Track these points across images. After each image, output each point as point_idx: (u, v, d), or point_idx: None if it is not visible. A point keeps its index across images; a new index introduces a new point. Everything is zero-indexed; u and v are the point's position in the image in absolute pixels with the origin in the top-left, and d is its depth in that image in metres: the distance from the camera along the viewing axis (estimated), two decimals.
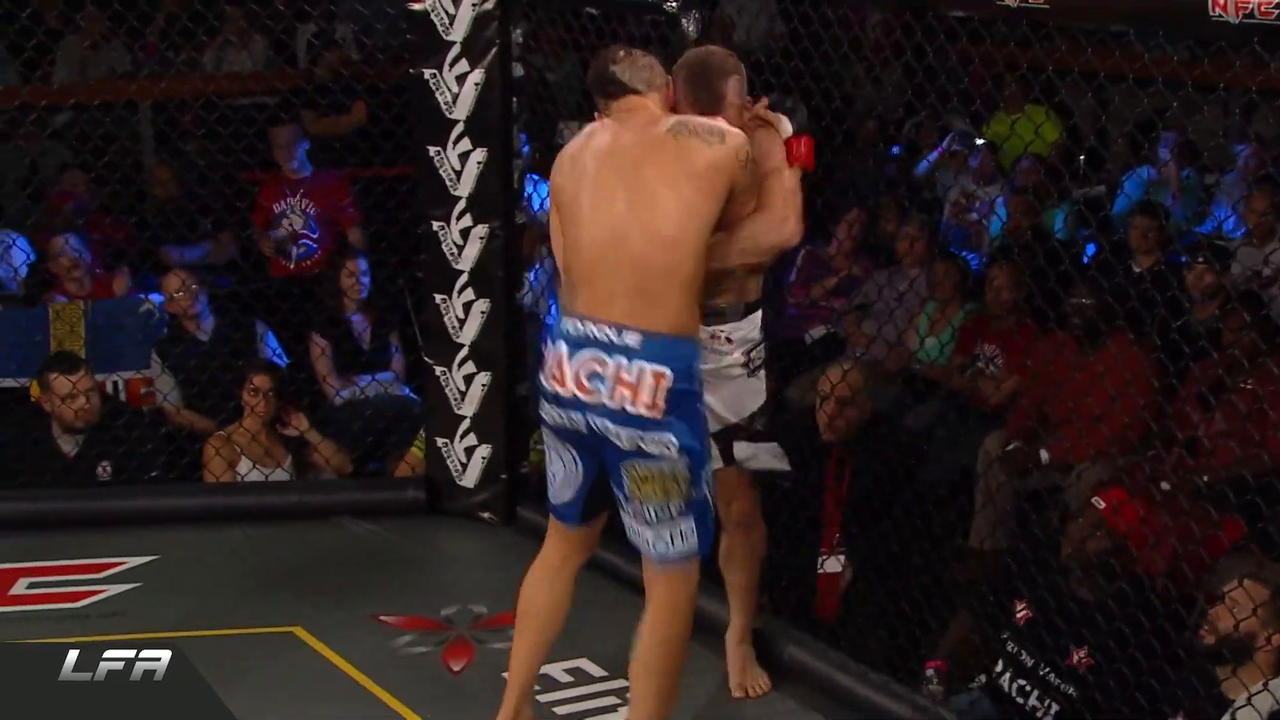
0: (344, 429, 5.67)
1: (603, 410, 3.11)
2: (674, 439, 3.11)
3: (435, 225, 4.82)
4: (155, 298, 6.14)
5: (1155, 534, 3.97)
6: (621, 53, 3.32)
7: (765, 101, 3.44)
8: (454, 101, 4.74)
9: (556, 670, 4.00)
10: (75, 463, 5.25)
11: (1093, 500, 3.96)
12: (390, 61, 6.56)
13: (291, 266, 6.73)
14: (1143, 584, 3.85)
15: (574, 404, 3.14)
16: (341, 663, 4.04)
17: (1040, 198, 6.26)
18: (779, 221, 3.30)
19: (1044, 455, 5.01)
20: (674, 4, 4.14)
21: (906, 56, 3.83)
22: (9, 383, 5.70)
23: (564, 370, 3.14)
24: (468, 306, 4.84)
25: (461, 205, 4.79)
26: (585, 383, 3.11)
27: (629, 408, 3.08)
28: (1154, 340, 4.43)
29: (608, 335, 3.09)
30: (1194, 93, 3.49)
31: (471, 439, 4.92)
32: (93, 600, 4.45)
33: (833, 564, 4.48)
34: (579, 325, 3.13)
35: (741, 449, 3.67)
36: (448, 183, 4.79)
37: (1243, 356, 4.49)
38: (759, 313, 3.60)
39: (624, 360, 3.07)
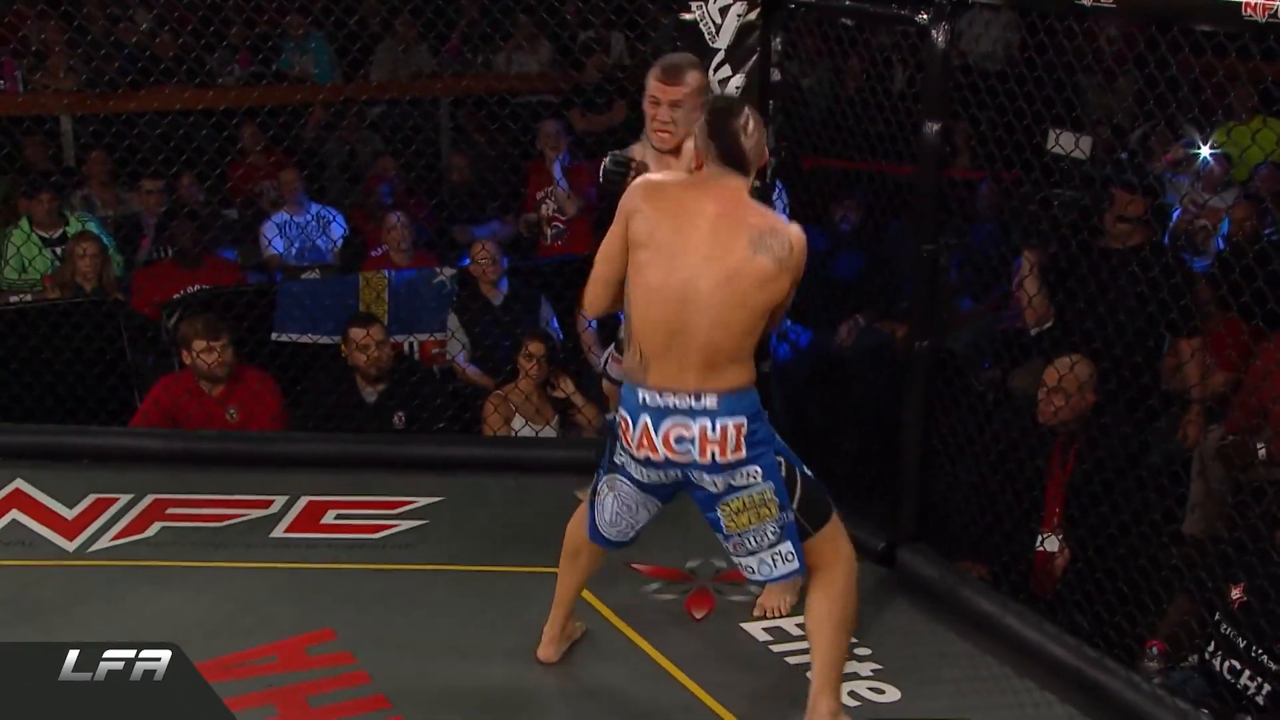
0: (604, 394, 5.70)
1: (695, 465, 3.14)
2: (758, 468, 3.15)
3: None
4: (447, 270, 6.27)
5: None
6: (751, 124, 3.15)
7: None
8: None
9: (789, 624, 3.93)
10: (375, 411, 5.39)
11: None
12: None
13: (548, 245, 6.82)
14: None
15: (666, 464, 3.16)
16: (598, 604, 4.04)
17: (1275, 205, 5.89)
18: None
19: (1261, 450, 4.71)
20: (925, 16, 3.99)
21: (1148, 67, 3.60)
22: (325, 340, 5.88)
23: (652, 438, 3.13)
24: None
25: None
26: (675, 446, 3.12)
27: (719, 459, 3.12)
28: None
29: (688, 403, 3.10)
30: None
31: None
32: (388, 533, 4.54)
33: (1051, 544, 4.31)
34: (657, 397, 3.12)
35: None
36: None
37: None
38: None
39: (707, 421, 3.10)
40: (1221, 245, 6.13)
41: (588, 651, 3.81)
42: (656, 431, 3.12)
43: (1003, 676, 3.74)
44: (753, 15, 4.60)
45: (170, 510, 4.62)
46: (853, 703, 3.57)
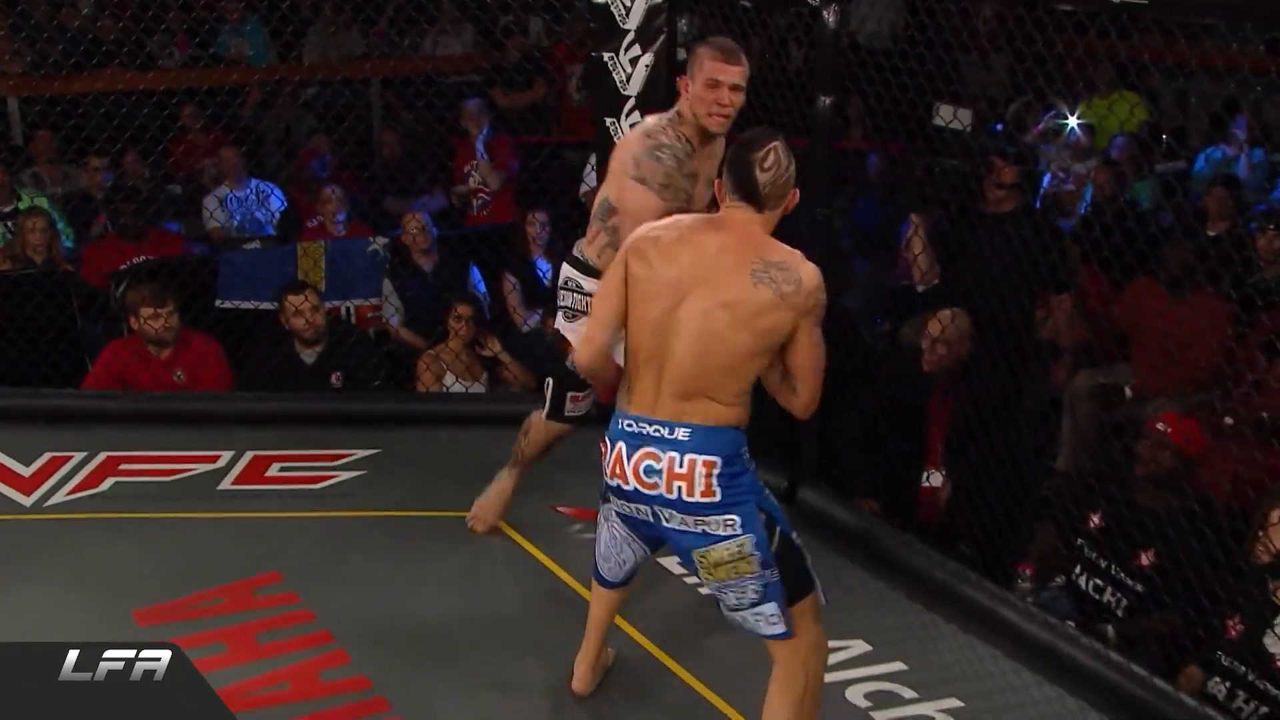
0: (529, 352, 5.71)
1: (663, 500, 2.82)
2: (735, 518, 2.80)
3: None
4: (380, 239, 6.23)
5: (1219, 459, 3.82)
6: (771, 158, 2.80)
7: None
8: (627, 80, 4.69)
9: None
10: (314, 372, 5.35)
11: (1157, 425, 3.83)
12: (574, 46, 6.54)
13: (474, 214, 6.80)
14: (1208, 501, 3.71)
15: (638, 495, 2.85)
16: (523, 542, 4.08)
17: (1130, 171, 6.03)
18: None
19: (1127, 390, 4.85)
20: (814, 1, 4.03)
21: (1017, 44, 3.67)
22: (266, 306, 5.83)
23: (624, 465, 2.84)
24: None
25: None
26: (643, 476, 2.82)
27: (685, 496, 2.80)
28: (1228, 294, 4.24)
29: (661, 432, 2.80)
30: (1274, 79, 3.31)
31: None
32: (329, 483, 4.54)
33: (934, 479, 4.41)
34: (634, 424, 2.83)
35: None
36: None
37: None
38: (566, 266, 3.68)
39: (675, 454, 2.78)
40: (1085, 208, 6.27)
41: (518, 584, 3.85)
42: (628, 459, 2.83)
43: (894, 600, 3.82)
44: None
45: (123, 466, 4.57)
46: None
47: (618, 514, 2.99)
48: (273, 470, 4.61)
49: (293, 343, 5.36)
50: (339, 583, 3.82)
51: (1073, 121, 6.33)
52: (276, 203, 6.77)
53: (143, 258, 6.14)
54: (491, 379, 5.52)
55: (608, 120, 4.73)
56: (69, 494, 4.39)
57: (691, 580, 3.88)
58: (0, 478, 4.48)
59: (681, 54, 4.70)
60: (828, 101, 4.08)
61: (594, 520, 4.17)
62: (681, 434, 2.79)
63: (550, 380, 3.93)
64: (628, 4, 4.63)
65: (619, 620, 3.63)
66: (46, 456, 4.60)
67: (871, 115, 4.54)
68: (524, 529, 4.15)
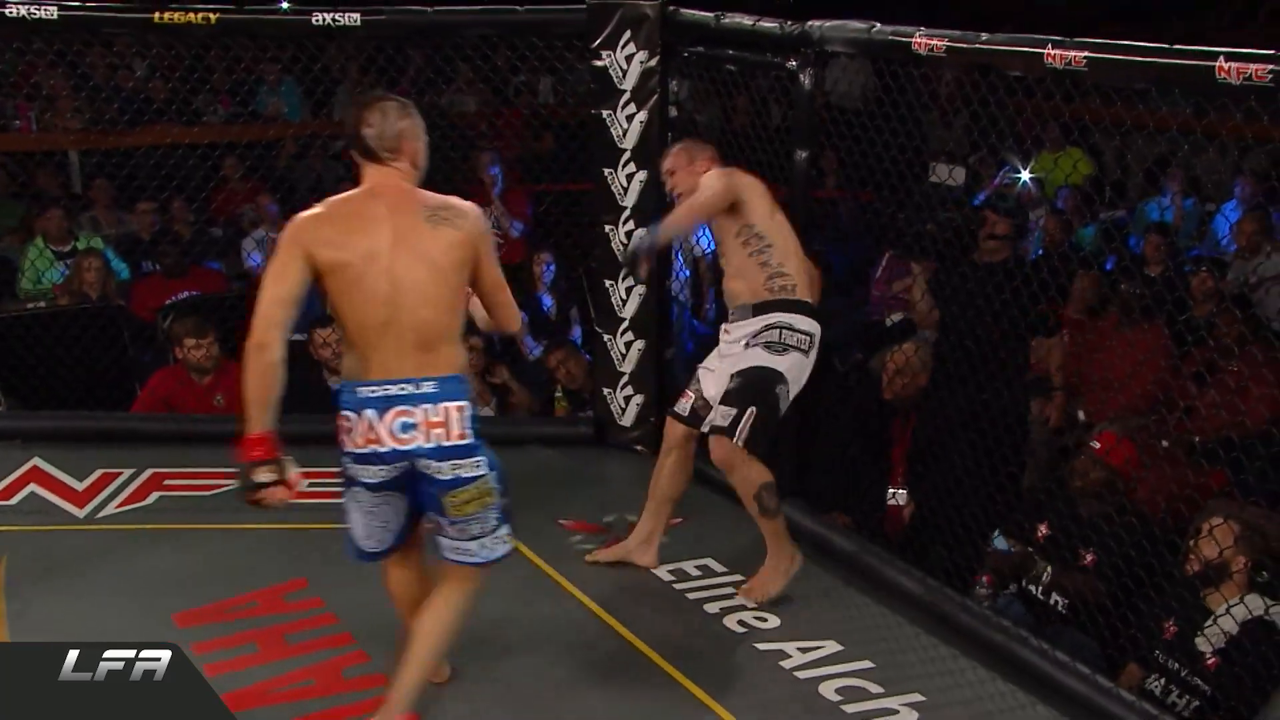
0: (535, 379, 5.72)
1: (421, 450, 2.74)
2: (482, 458, 2.80)
3: (606, 228, 4.82)
4: None
5: (1155, 479, 3.83)
6: (374, 115, 2.77)
7: None
8: (623, 135, 4.72)
9: (689, 566, 4.00)
10: (329, 395, 5.34)
11: (1090, 442, 3.84)
12: (577, 104, 6.58)
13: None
14: (1144, 516, 3.71)
15: (394, 455, 2.75)
16: (528, 553, 4.07)
17: (1075, 218, 6.06)
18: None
19: (1080, 415, 4.85)
20: (793, 63, 4.07)
21: (973, 106, 3.70)
22: (297, 337, 5.81)
23: (377, 430, 2.74)
24: (629, 290, 4.83)
25: (627, 213, 4.77)
26: (399, 434, 2.73)
27: (444, 442, 2.74)
28: (1162, 329, 4.25)
29: (409, 390, 2.73)
30: (1200, 139, 3.34)
31: (629, 389, 4.92)
32: None
33: (898, 498, 4.40)
34: (378, 389, 2.73)
35: (716, 413, 3.60)
36: (617, 196, 4.78)
37: (1232, 344, 4.29)
38: (768, 316, 3.62)
39: (428, 405, 2.72)
40: (1038, 252, 6.30)
41: (522, 590, 3.84)
42: (380, 420, 2.73)
43: (863, 604, 3.82)
44: (653, 62, 4.65)
45: (167, 482, 4.58)
46: (740, 629, 3.64)
47: (365, 485, 2.84)
48: (302, 485, 4.57)
49: (321, 371, 5.37)
50: (360, 589, 3.77)
51: (1024, 176, 6.37)
52: None
53: (186, 293, 6.16)
54: (500, 404, 5.53)
55: (605, 171, 4.76)
56: (118, 507, 4.39)
57: (681, 586, 3.88)
58: (56, 492, 4.48)
59: (673, 111, 4.74)
60: (804, 155, 4.10)
61: (596, 533, 4.21)
62: (428, 387, 2.73)
63: (753, 410, 3.56)
64: (624, 66, 4.67)
65: (617, 625, 3.63)
66: (98, 473, 4.60)
67: (842, 167, 4.55)
68: (529, 541, 4.13)
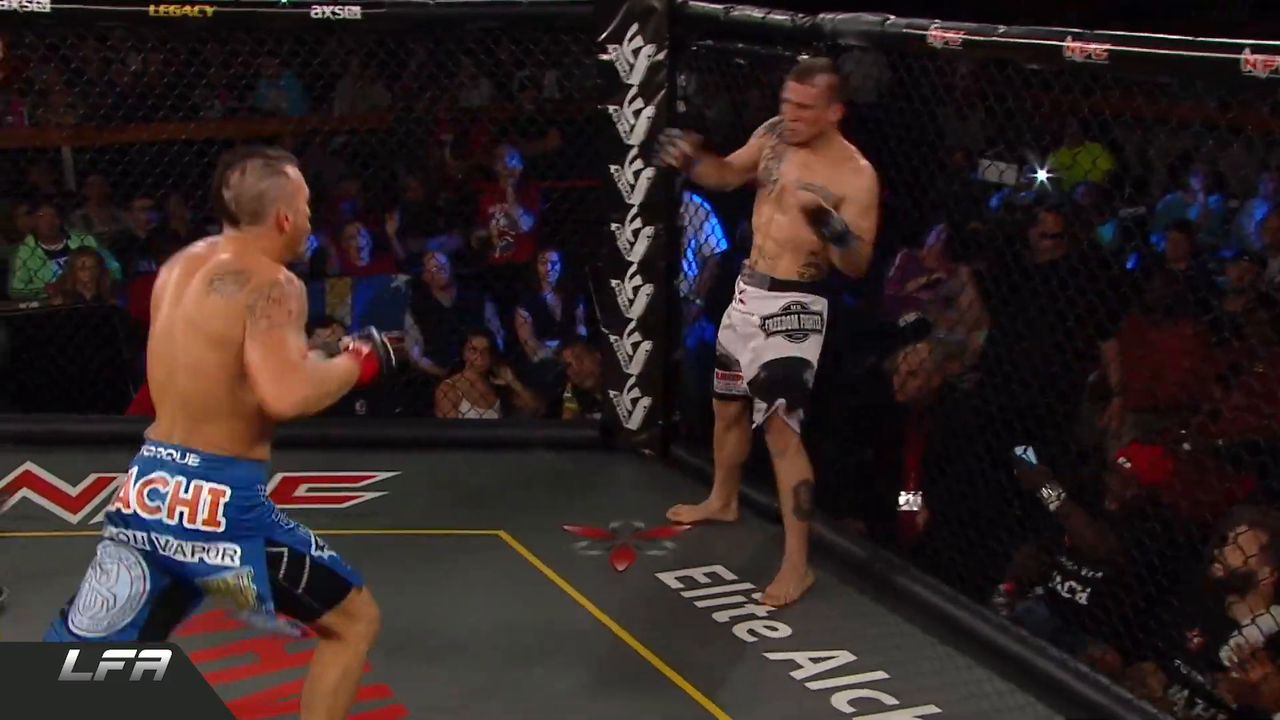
0: (540, 380, 5.72)
1: (161, 525, 2.55)
2: (237, 548, 2.56)
3: (613, 226, 4.80)
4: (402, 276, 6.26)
5: (1180, 484, 3.80)
6: (236, 176, 2.57)
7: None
8: (630, 131, 4.71)
9: (697, 574, 3.99)
10: (338, 400, 5.34)
11: (1119, 461, 3.80)
12: (584, 99, 6.57)
13: (497, 256, 6.79)
14: (1169, 523, 3.69)
15: (136, 521, 2.57)
16: (533, 559, 4.07)
17: (1094, 215, 6.04)
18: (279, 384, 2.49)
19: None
20: (805, 57, 4.05)
21: (989, 100, 3.69)
22: None
23: (129, 489, 2.58)
24: (636, 289, 4.82)
25: (634, 211, 4.75)
26: (146, 500, 2.55)
27: (186, 523, 2.54)
28: (1187, 328, 4.22)
29: (172, 456, 2.56)
30: (1225, 133, 3.32)
31: (636, 392, 4.90)
32: (353, 503, 4.52)
33: (911, 503, 4.38)
34: (149, 449, 2.59)
35: (756, 403, 3.77)
36: (624, 194, 4.76)
37: (1259, 345, 4.27)
38: (784, 294, 3.67)
39: (183, 478, 2.54)
40: None
41: (528, 598, 3.83)
42: (135, 482, 2.57)
43: (875, 614, 3.80)
44: (660, 56, 4.63)
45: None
46: (750, 639, 3.63)
47: (110, 541, 2.63)
48: (301, 491, 4.59)
49: None
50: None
51: (1042, 174, 6.35)
52: (311, 242, 6.78)
53: None
54: (504, 406, 5.52)
55: (612, 167, 4.75)
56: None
57: (690, 594, 3.87)
58: (49, 497, 4.48)
59: (681, 106, 4.73)
60: None
61: (602, 539, 4.21)
62: (192, 460, 2.54)
63: (781, 401, 3.75)
64: (631, 61, 4.66)
65: (624, 634, 3.62)
66: (93, 477, 4.58)
67: None
68: (534, 546, 4.13)
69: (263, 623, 2.76)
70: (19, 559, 4.00)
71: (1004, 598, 3.87)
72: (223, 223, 2.63)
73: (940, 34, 3.49)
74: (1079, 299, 3.94)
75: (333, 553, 2.72)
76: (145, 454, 2.61)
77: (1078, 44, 3.08)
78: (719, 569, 4.02)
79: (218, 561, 2.58)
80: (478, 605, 3.77)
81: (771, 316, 3.73)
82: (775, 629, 3.68)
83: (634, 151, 4.71)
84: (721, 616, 3.74)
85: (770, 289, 3.74)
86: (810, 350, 3.73)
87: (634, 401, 4.92)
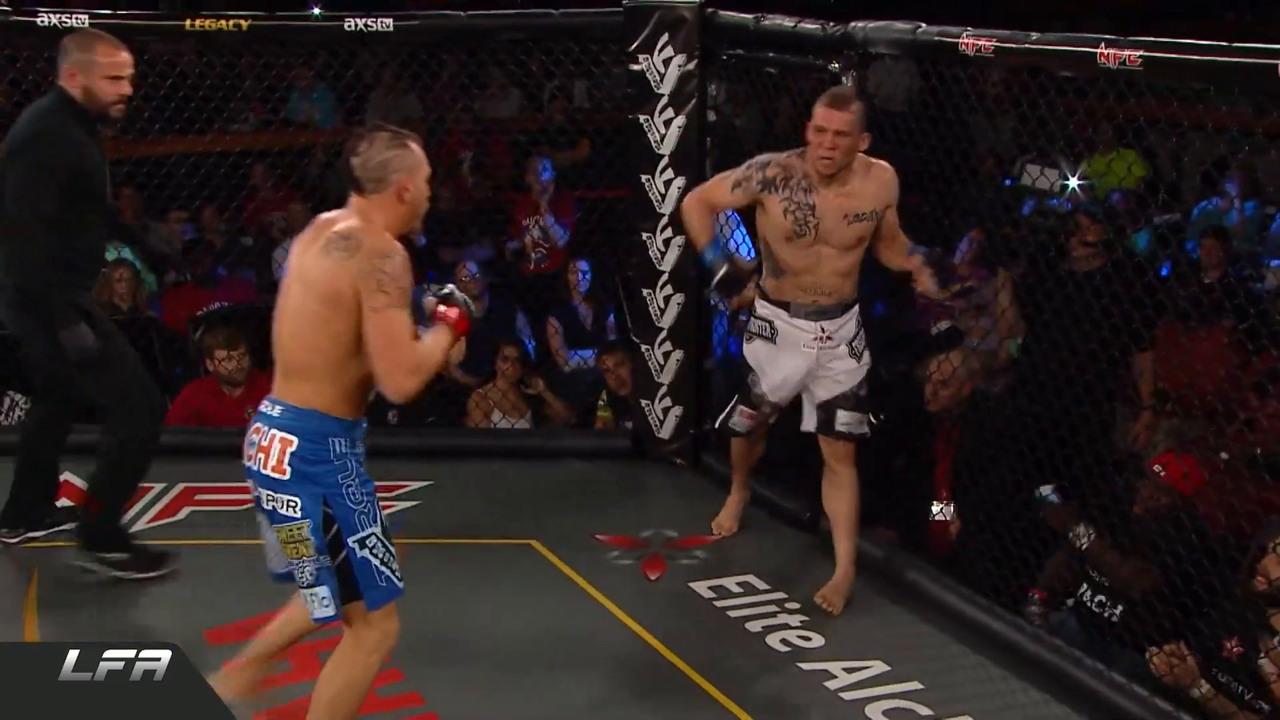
0: (571, 390, 5.73)
1: (249, 471, 2.74)
2: (298, 499, 2.67)
3: (644, 235, 4.82)
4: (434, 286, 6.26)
5: (1215, 493, 3.76)
6: (363, 145, 2.69)
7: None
8: (661, 140, 4.73)
9: (730, 583, 3.99)
10: (373, 409, 5.33)
11: (1154, 467, 3.78)
12: (614, 109, 6.58)
13: (531, 268, 6.81)
14: (1205, 533, 3.65)
15: (246, 471, 2.76)
16: (565, 568, 4.09)
17: (1128, 223, 5.99)
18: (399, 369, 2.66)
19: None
20: (836, 65, 4.06)
21: (1022, 108, 3.68)
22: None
23: (247, 439, 2.77)
24: (667, 299, 4.84)
25: (665, 220, 4.78)
26: (248, 448, 2.74)
27: (260, 468, 2.70)
28: (1222, 335, 4.18)
29: (267, 408, 2.74)
30: (1262, 139, 3.30)
31: (667, 401, 4.92)
32: (387, 512, 4.38)
33: (943, 513, 4.37)
34: (265, 404, 2.76)
35: (844, 418, 3.80)
36: (654, 203, 4.79)
37: None
38: (855, 308, 3.76)
39: (264, 425, 2.71)
40: None
41: (561, 607, 3.85)
42: (251, 433, 2.76)
43: (909, 623, 3.80)
44: (691, 65, 4.66)
45: (199, 496, 4.62)
46: (783, 648, 3.64)
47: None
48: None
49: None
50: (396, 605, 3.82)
51: (1073, 182, 6.32)
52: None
53: (218, 304, 6.22)
54: (536, 415, 5.54)
55: (643, 177, 4.77)
56: (149, 522, 4.44)
57: (723, 604, 3.88)
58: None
59: (711, 116, 4.75)
60: None
61: (635, 548, 4.22)
62: (277, 410, 2.71)
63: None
64: (662, 70, 4.68)
65: (656, 643, 3.63)
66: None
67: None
68: (566, 556, 4.15)
69: (310, 598, 2.78)
70: (58, 568, 4.05)
71: (1038, 606, 3.85)
72: (348, 194, 2.74)
73: (972, 42, 3.50)
74: (1114, 308, 3.91)
75: (381, 558, 2.76)
76: (261, 408, 2.76)
77: (1111, 50, 3.07)
78: (751, 578, 4.02)
79: (285, 511, 2.69)
80: (510, 615, 3.79)
81: (854, 338, 3.81)
82: (809, 639, 3.69)
83: (664, 160, 4.73)
84: (754, 626, 3.75)
85: (843, 313, 3.80)
86: (869, 362, 3.87)
87: (665, 411, 4.93)
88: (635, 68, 4.71)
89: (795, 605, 3.85)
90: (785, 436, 4.20)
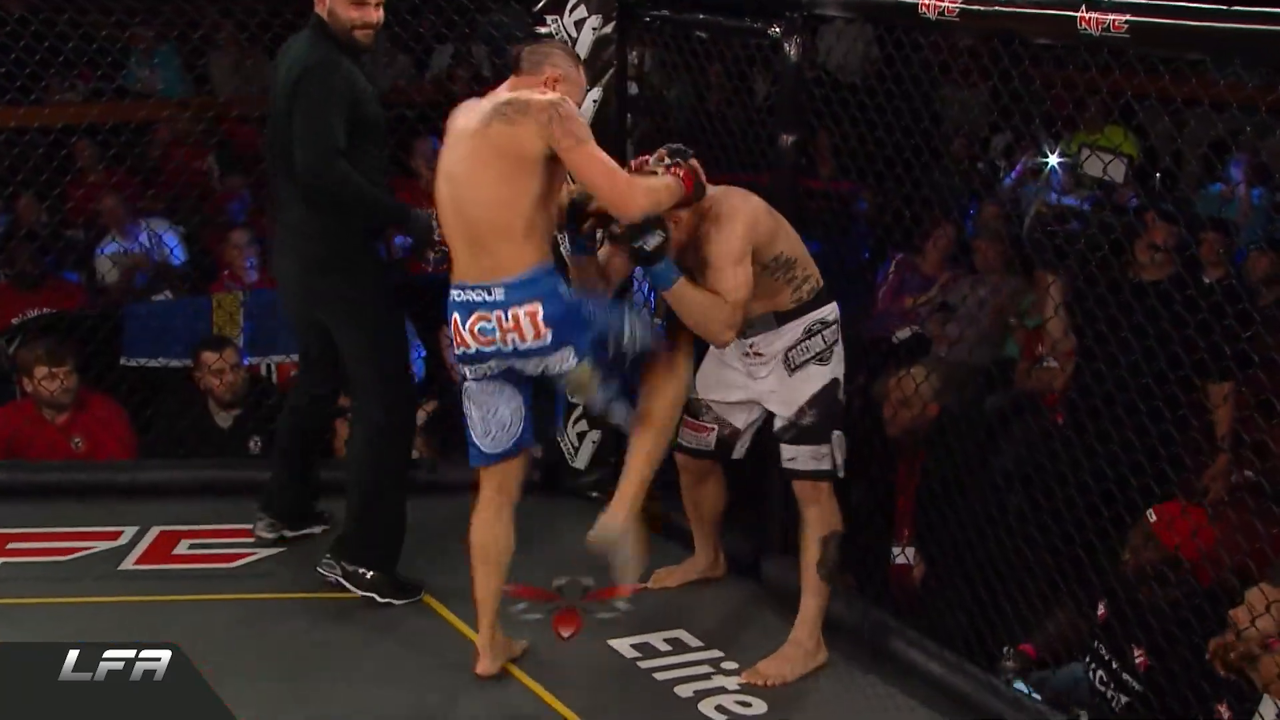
0: None
1: (502, 353, 3.41)
2: (570, 350, 3.40)
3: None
4: None
5: (1206, 543, 3.79)
6: (534, 43, 3.64)
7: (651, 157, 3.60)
8: None
9: (656, 640, 3.99)
10: (230, 436, 5.32)
11: (1146, 513, 3.82)
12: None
13: (430, 269, 6.75)
14: (1194, 589, 3.69)
15: (481, 355, 3.43)
16: (460, 625, 4.05)
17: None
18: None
19: None
20: (777, 29, 4.09)
21: (994, 79, 3.73)
22: (176, 364, 5.79)
23: (461, 332, 3.42)
24: None
25: None
26: (480, 335, 3.39)
27: (520, 345, 3.38)
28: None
29: (482, 296, 3.37)
30: (1267, 117, 3.37)
31: (583, 425, 4.91)
32: (244, 561, 4.49)
33: (905, 557, 4.40)
34: (459, 293, 3.42)
35: (787, 452, 3.74)
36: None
37: None
38: (797, 321, 3.71)
39: (500, 312, 3.36)
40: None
41: (455, 675, 3.81)
42: (464, 325, 3.40)
43: (867, 685, 3.82)
44: (608, 29, 4.66)
45: (11, 545, 4.52)
46: (719, 716, 3.64)
47: (474, 382, 3.53)
48: (181, 548, 4.56)
49: (206, 405, 5.32)
50: (255, 673, 3.76)
51: (1052, 160, 6.43)
52: (175, 254, 6.66)
53: (38, 311, 6.09)
54: (427, 442, 5.48)
55: None
56: None
57: (648, 664, 3.87)
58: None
59: (633, 88, 4.75)
60: (790, 139, 4.12)
61: (546, 601, 4.19)
62: (499, 294, 3.36)
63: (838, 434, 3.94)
64: (573, 34, 4.68)
65: (571, 715, 3.61)
66: None
67: (836, 154, 4.58)
68: (461, 611, 4.11)
69: (611, 402, 3.57)
70: None
71: (1013, 661, 3.86)
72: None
73: (934, 4, 3.54)
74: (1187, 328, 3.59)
75: (644, 320, 3.64)
76: (456, 298, 3.43)
77: (1093, 14, 3.12)
78: (681, 634, 4.02)
79: (560, 368, 3.43)
80: (392, 686, 3.75)
81: (794, 346, 3.74)
82: (749, 705, 3.69)
83: None
84: (684, 691, 3.74)
85: (778, 324, 3.74)
86: (839, 366, 3.84)
87: (580, 436, 4.92)
88: (542, 30, 4.70)
89: (732, 665, 3.86)
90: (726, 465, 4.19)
